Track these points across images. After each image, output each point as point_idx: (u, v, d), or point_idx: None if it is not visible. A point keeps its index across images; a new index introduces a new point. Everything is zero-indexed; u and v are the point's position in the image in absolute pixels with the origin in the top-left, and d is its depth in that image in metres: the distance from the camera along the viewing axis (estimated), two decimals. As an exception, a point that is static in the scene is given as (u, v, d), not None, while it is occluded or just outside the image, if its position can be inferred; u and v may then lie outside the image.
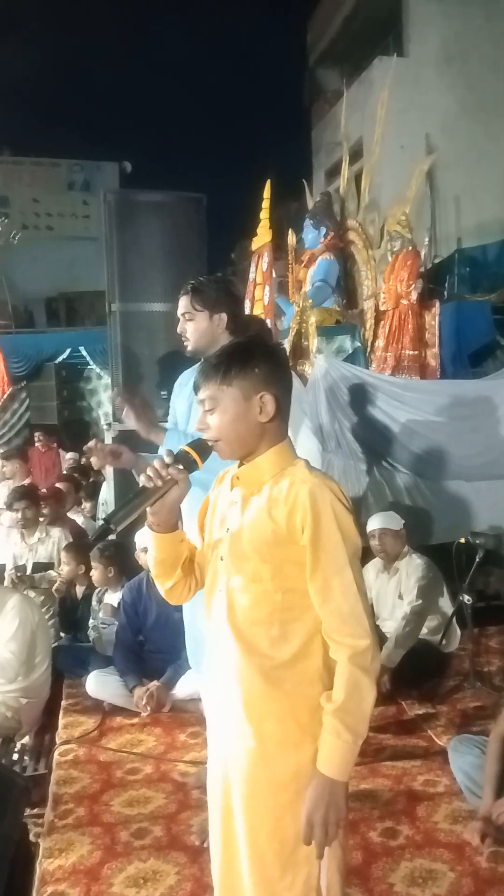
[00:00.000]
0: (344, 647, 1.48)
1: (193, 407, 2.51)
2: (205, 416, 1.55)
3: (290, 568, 1.50)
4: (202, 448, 1.55)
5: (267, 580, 1.51)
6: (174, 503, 1.56)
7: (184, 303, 2.46)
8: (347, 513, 1.51)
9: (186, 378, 2.58)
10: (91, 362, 10.37)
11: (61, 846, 2.63)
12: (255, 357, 1.54)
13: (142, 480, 1.53)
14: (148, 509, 1.55)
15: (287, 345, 5.97)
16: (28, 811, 2.84)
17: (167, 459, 1.53)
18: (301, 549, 1.49)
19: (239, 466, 1.60)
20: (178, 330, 2.50)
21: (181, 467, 1.53)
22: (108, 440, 3.89)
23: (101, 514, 5.98)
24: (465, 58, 11.20)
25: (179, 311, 2.49)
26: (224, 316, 2.43)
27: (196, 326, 2.44)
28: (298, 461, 1.57)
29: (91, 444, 2.49)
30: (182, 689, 3.60)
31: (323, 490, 1.49)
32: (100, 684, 3.73)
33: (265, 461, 1.55)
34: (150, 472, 1.52)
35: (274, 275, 5.91)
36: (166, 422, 2.71)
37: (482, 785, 2.52)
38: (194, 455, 1.54)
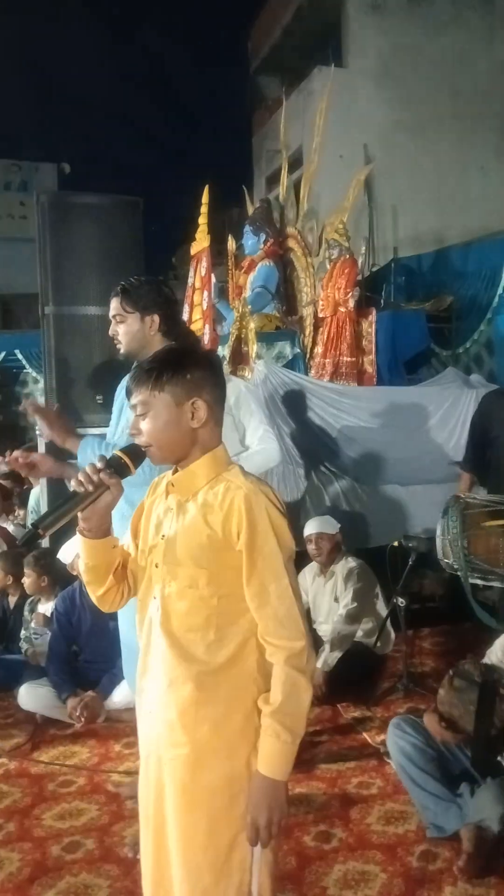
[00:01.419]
0: (280, 650, 1.49)
1: (123, 411, 2.48)
2: (137, 420, 1.54)
3: (226, 573, 1.50)
4: (135, 453, 1.53)
5: (203, 586, 1.51)
6: (106, 508, 1.54)
7: (114, 304, 2.42)
8: (282, 518, 1.52)
9: (123, 383, 2.55)
10: (27, 366, 10.16)
11: (-11, 864, 2.55)
12: (188, 363, 1.53)
13: (73, 485, 1.51)
14: (79, 514, 1.52)
15: (227, 350, 5.98)
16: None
17: (99, 464, 1.51)
18: (237, 554, 1.49)
19: (174, 473, 1.59)
20: (110, 332, 2.45)
21: (113, 472, 1.51)
22: (42, 446, 3.80)
23: (31, 521, 5.84)
24: (403, 72, 11.43)
25: (111, 314, 2.45)
26: (156, 318, 2.40)
27: (127, 329, 2.40)
28: (233, 466, 1.57)
29: (16, 453, 2.38)
30: (117, 699, 3.54)
31: (258, 496, 1.50)
32: (32, 696, 3.64)
33: (199, 467, 1.54)
34: (81, 476, 1.50)
35: (214, 280, 5.90)
36: (104, 427, 2.67)
37: (421, 768, 2.53)
38: (127, 460, 1.52)
